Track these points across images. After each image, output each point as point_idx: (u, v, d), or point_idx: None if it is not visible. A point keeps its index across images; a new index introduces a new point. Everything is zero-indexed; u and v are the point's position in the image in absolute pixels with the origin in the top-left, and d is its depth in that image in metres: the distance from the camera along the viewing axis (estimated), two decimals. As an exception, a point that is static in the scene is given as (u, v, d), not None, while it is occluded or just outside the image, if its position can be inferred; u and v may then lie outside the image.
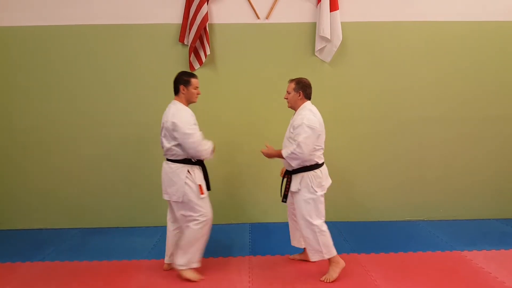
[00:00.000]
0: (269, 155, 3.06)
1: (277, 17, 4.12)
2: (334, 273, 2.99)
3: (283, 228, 4.02)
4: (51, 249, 3.68)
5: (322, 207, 3.00)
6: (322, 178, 3.00)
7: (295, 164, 2.93)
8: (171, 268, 3.14)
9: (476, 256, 3.35)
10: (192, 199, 2.95)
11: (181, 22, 4.05)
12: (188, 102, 3.06)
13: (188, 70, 4.01)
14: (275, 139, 3.29)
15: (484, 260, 3.28)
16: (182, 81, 3.01)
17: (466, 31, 4.19)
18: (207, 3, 3.98)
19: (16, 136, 4.15)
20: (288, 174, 3.07)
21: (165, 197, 3.02)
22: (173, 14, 4.06)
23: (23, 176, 4.20)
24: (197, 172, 3.02)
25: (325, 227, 2.98)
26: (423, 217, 4.37)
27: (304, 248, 3.27)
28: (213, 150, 3.07)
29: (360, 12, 4.14)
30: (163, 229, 4.00)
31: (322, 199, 3.00)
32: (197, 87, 3.06)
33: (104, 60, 4.10)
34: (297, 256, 3.33)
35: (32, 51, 4.07)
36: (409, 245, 3.61)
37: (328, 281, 2.95)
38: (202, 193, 2.99)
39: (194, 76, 3.06)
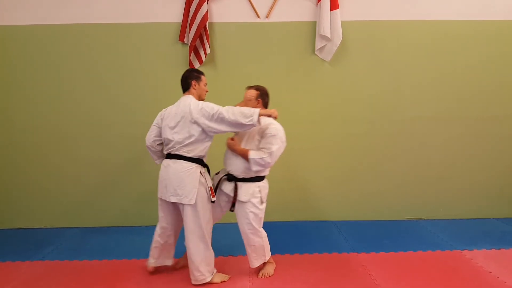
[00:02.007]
0: (234, 150, 2.90)
1: (277, 16, 4.11)
2: (271, 269, 3.07)
3: (282, 228, 4.04)
4: (51, 248, 3.67)
5: (263, 215, 3.05)
6: (267, 188, 3.05)
7: (254, 170, 2.82)
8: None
9: (476, 256, 3.35)
10: (204, 202, 2.87)
11: (181, 21, 4.04)
12: (199, 99, 2.99)
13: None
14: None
15: (484, 259, 3.28)
16: (193, 76, 2.98)
17: (466, 31, 4.19)
18: (207, 2, 3.97)
19: (15, 135, 4.14)
20: (234, 181, 2.94)
21: (173, 199, 2.83)
22: (173, 13, 4.05)
23: (22, 175, 4.20)
24: (206, 173, 2.95)
25: (265, 233, 3.05)
26: (423, 216, 4.37)
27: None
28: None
29: (360, 11, 4.14)
30: (163, 228, 4.03)
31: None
32: (206, 84, 3.06)
33: (104, 59, 4.10)
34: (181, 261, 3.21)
35: (32, 50, 4.06)
36: (409, 244, 3.60)
37: (266, 276, 3.02)
38: (213, 196, 2.90)
39: (202, 73, 3.06)
